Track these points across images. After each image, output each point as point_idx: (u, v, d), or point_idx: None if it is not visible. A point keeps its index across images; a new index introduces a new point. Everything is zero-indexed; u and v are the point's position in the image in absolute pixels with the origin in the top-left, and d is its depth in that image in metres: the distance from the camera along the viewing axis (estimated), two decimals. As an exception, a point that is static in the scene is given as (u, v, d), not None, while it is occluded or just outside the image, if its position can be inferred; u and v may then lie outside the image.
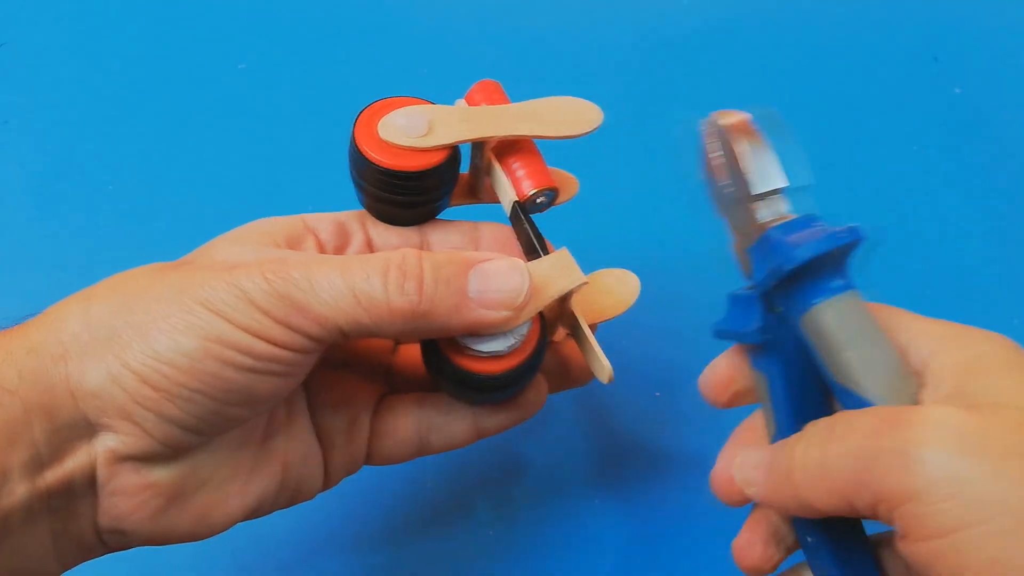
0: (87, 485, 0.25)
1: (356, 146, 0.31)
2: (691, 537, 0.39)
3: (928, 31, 0.56)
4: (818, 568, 0.27)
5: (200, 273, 0.26)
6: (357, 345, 0.33)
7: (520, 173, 0.32)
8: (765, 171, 0.27)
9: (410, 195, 0.32)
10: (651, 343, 0.43)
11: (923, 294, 0.46)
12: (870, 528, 0.27)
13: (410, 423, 0.31)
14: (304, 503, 0.31)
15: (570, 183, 0.35)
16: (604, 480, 0.41)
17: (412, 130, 0.31)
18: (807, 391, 0.27)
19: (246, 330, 0.25)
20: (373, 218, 0.33)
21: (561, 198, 0.34)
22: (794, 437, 0.25)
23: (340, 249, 0.32)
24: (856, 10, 0.57)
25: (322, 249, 0.31)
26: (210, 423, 0.26)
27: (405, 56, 0.55)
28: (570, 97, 0.33)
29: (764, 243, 0.26)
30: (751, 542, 0.28)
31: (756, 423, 0.30)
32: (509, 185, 0.33)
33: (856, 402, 0.24)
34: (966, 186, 0.50)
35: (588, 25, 0.57)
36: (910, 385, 0.24)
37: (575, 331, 0.32)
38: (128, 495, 0.25)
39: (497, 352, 0.28)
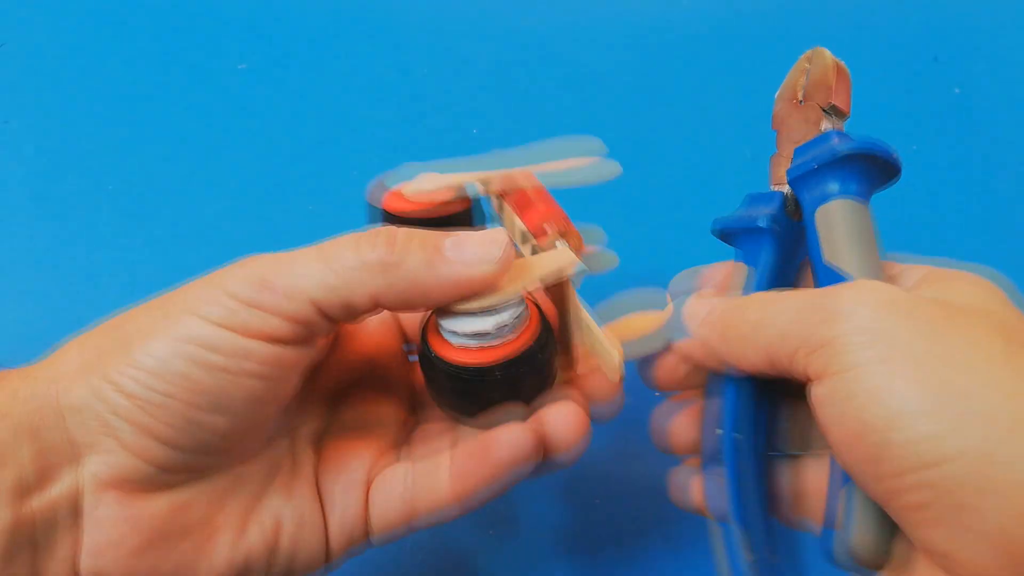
0: (72, 516, 0.24)
1: (384, 211, 0.32)
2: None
3: (928, 31, 0.56)
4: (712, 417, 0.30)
5: (190, 285, 0.26)
6: (374, 407, 0.32)
7: (541, 217, 0.32)
8: (843, 96, 0.31)
9: None
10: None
11: (923, 294, 0.46)
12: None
13: (397, 489, 0.29)
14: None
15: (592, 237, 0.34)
16: (607, 487, 0.41)
17: (435, 189, 0.32)
18: (785, 286, 0.30)
19: (215, 322, 0.24)
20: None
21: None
22: (744, 298, 0.27)
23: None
24: (856, 10, 0.57)
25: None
26: (188, 434, 0.25)
27: (406, 55, 0.55)
28: (585, 159, 0.33)
29: (823, 138, 0.29)
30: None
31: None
32: (527, 231, 0.32)
33: (834, 276, 0.27)
34: (966, 186, 0.50)
35: (589, 24, 0.57)
36: (879, 272, 0.27)
37: (579, 323, 0.30)
38: (110, 527, 0.25)
39: (483, 334, 0.27)
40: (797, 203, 0.30)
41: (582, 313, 0.30)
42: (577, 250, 0.31)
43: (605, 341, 0.29)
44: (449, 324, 0.27)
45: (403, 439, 0.32)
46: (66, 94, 0.53)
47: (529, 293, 0.30)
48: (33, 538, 0.24)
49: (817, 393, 0.23)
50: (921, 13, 0.57)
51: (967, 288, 0.25)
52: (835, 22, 0.57)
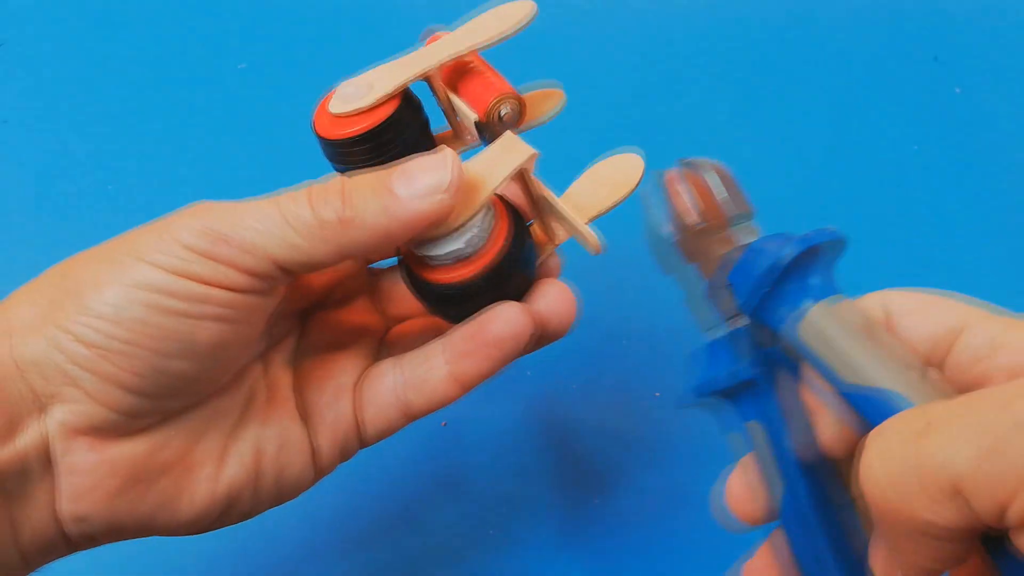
0: (43, 465, 0.24)
1: (315, 131, 0.31)
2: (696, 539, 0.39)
3: (928, 31, 0.56)
4: None
5: (136, 232, 0.25)
6: (348, 327, 0.32)
7: (476, 92, 0.31)
8: (739, 197, 0.28)
9: (377, 154, 0.30)
10: (650, 342, 0.43)
11: (923, 294, 0.46)
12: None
13: (388, 383, 0.29)
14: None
15: (549, 94, 0.33)
16: (603, 479, 0.41)
17: (356, 95, 0.30)
18: (799, 431, 0.26)
19: (170, 270, 0.24)
20: None
21: (543, 109, 0.32)
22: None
23: None
24: (856, 10, 0.57)
25: None
26: (153, 382, 0.24)
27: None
28: (501, 4, 0.32)
29: (751, 255, 0.26)
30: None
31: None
32: (468, 108, 0.31)
33: (872, 401, 0.23)
34: (966, 186, 0.50)
35: (591, 22, 0.57)
36: (924, 370, 0.23)
37: (553, 211, 0.30)
38: (84, 473, 0.24)
39: (458, 252, 0.27)
40: (764, 330, 0.26)
41: (549, 197, 0.29)
42: (522, 115, 0.31)
43: (584, 228, 0.29)
44: (422, 250, 0.27)
45: (381, 341, 0.32)
46: (66, 94, 0.53)
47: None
48: (5, 488, 0.24)
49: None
50: (921, 13, 0.57)
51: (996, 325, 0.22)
52: (835, 22, 0.57)
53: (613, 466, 0.41)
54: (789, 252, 0.24)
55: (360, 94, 0.30)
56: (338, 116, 0.31)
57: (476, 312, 0.28)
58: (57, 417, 0.24)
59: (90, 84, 0.54)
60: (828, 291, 0.25)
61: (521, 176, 0.29)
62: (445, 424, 0.41)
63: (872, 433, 0.20)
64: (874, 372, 0.23)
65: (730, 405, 0.27)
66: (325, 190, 0.25)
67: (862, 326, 0.24)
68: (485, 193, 0.27)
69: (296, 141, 0.52)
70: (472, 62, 0.32)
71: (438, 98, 0.33)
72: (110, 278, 0.24)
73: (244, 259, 0.24)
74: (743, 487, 0.26)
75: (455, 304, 0.28)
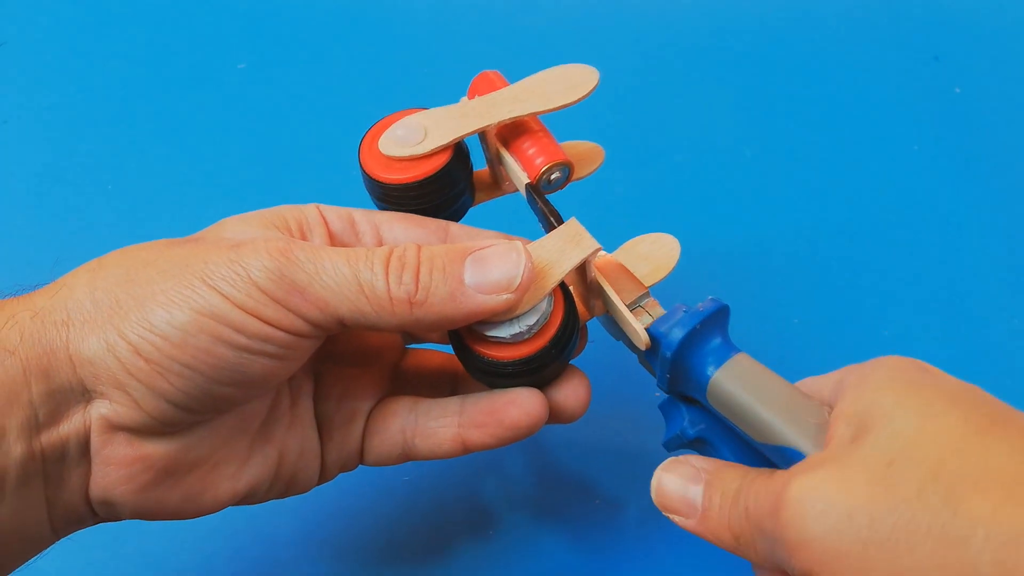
0: (81, 452, 0.25)
1: (362, 168, 0.31)
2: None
3: (928, 31, 0.56)
4: None
5: (205, 249, 0.26)
6: (368, 343, 0.33)
7: (529, 153, 0.32)
8: (629, 283, 0.30)
9: (424, 203, 0.31)
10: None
11: (923, 294, 0.46)
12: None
13: (398, 423, 0.31)
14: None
15: (592, 154, 0.34)
16: (604, 478, 0.41)
17: (410, 139, 0.31)
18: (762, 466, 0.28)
19: (241, 307, 0.25)
20: (385, 217, 0.32)
21: (585, 170, 0.33)
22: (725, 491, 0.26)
23: (350, 243, 0.31)
24: (856, 10, 0.57)
25: (332, 240, 0.31)
26: (200, 401, 0.25)
27: (406, 55, 0.55)
28: (562, 65, 0.32)
29: (652, 340, 0.29)
30: None
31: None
32: (520, 168, 0.32)
33: (784, 455, 0.25)
34: (966, 186, 0.50)
35: (594, 19, 0.57)
36: (819, 413, 0.26)
37: (606, 302, 0.31)
38: (119, 466, 0.25)
39: (517, 335, 0.28)
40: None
41: (609, 293, 0.30)
42: (569, 179, 0.32)
43: (635, 323, 0.29)
44: (479, 326, 0.28)
45: (399, 363, 0.33)
46: (66, 94, 0.53)
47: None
48: (44, 471, 0.25)
49: None
50: (921, 13, 0.57)
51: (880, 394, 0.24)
52: (835, 22, 0.57)
53: (613, 465, 0.41)
54: (675, 336, 0.27)
55: (414, 139, 0.31)
56: (391, 158, 0.31)
57: (516, 386, 0.29)
58: (100, 411, 0.25)
59: (90, 84, 0.54)
60: (724, 353, 0.27)
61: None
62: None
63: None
64: (775, 430, 0.25)
65: (697, 452, 0.30)
66: (402, 263, 0.26)
67: (758, 382, 0.26)
68: (549, 284, 0.28)
69: (296, 141, 0.52)
70: (527, 120, 0.32)
71: (487, 150, 0.33)
72: (179, 299, 0.25)
73: (312, 312, 0.25)
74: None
75: (498, 377, 0.29)
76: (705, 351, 0.27)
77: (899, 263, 0.47)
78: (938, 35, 0.56)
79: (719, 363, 0.27)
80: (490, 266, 0.27)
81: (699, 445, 0.30)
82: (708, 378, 0.27)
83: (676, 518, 0.27)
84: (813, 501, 0.22)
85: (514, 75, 0.33)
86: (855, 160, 0.51)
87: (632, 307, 0.30)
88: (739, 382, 0.27)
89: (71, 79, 0.54)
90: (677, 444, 0.30)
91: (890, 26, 0.57)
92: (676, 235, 0.39)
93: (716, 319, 0.28)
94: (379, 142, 0.31)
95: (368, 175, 0.31)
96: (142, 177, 0.50)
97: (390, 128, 0.32)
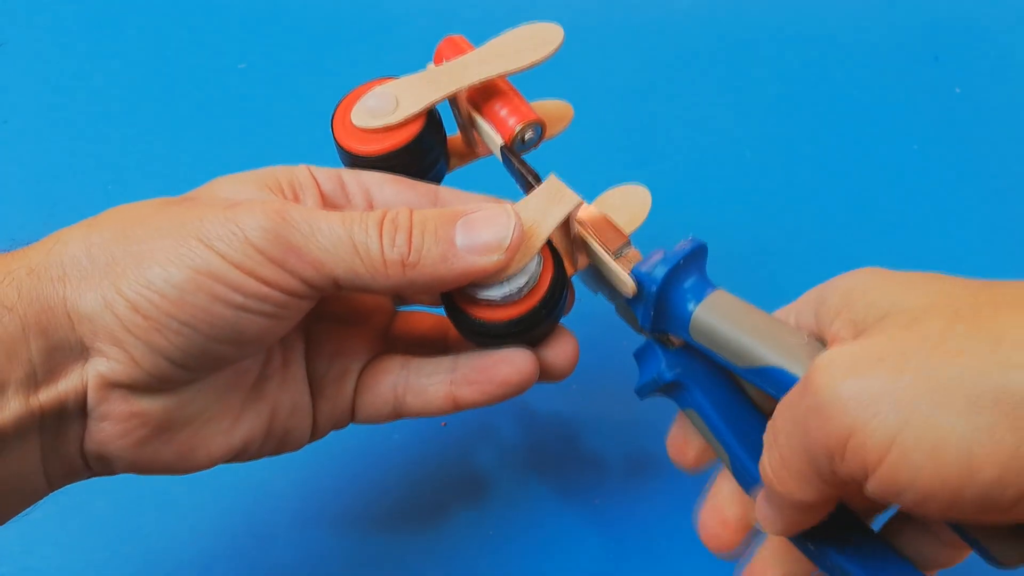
0: (78, 408, 0.26)
1: (336, 142, 0.31)
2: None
3: (928, 31, 0.56)
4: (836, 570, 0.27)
5: (201, 208, 0.26)
6: (360, 303, 0.33)
7: (501, 115, 0.32)
8: (612, 234, 0.31)
9: (400, 173, 0.31)
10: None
11: (923, 294, 0.46)
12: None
13: (389, 380, 0.31)
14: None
15: (562, 111, 0.34)
16: (604, 476, 0.41)
17: (382, 110, 0.31)
18: (736, 407, 0.29)
19: (238, 267, 0.25)
20: (375, 178, 0.32)
21: (556, 128, 0.33)
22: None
23: (340, 205, 0.31)
24: (856, 10, 0.57)
25: (323, 200, 0.31)
26: (196, 358, 0.26)
27: (406, 55, 0.55)
28: (526, 24, 0.33)
29: (644, 278, 0.29)
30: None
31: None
32: (493, 130, 0.32)
33: (767, 375, 0.26)
34: (966, 186, 0.50)
35: (590, 17, 0.57)
36: (808, 340, 0.26)
37: (591, 254, 0.31)
38: (115, 421, 0.26)
39: (508, 296, 0.28)
40: (670, 335, 0.30)
41: (592, 244, 0.30)
42: (542, 137, 0.32)
43: (621, 272, 0.30)
44: (471, 288, 0.28)
45: (389, 325, 0.34)
46: (66, 94, 0.53)
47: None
48: (41, 426, 0.25)
49: (884, 481, 0.21)
50: (921, 13, 0.57)
51: (877, 290, 0.25)
52: (835, 22, 0.57)
53: (614, 464, 0.41)
54: (658, 273, 0.28)
55: (386, 109, 0.31)
56: (364, 129, 0.31)
57: (510, 346, 0.30)
58: (97, 368, 0.25)
59: (90, 84, 0.54)
60: (704, 288, 0.28)
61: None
62: (445, 424, 0.42)
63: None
64: (757, 353, 0.26)
65: (668, 398, 0.31)
66: (395, 226, 0.27)
67: (738, 313, 0.27)
68: (538, 243, 0.29)
69: (296, 141, 0.52)
70: (496, 82, 0.33)
71: (459, 115, 0.33)
72: (176, 257, 0.25)
73: (308, 272, 0.26)
74: (678, 437, 0.31)
75: (489, 338, 0.30)
76: (686, 287, 0.28)
77: (899, 263, 0.47)
78: (938, 35, 0.56)
79: (700, 297, 0.28)
80: (480, 228, 0.27)
81: (674, 389, 0.30)
82: (691, 312, 0.28)
83: (760, 526, 0.26)
84: (842, 357, 0.22)
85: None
86: (855, 160, 0.51)
87: (616, 256, 0.30)
88: (720, 313, 0.27)
89: (71, 79, 0.54)
90: (651, 389, 0.30)
91: (890, 26, 0.57)
92: (676, 235, 0.39)
93: (696, 256, 0.29)
94: (351, 114, 0.31)
95: (343, 148, 0.31)
96: (142, 177, 0.50)
97: (361, 99, 0.32)
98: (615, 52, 0.56)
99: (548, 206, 0.29)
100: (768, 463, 0.24)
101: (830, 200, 0.49)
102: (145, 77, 0.54)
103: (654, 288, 0.28)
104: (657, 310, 0.29)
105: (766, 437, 0.24)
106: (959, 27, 0.56)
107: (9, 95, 0.53)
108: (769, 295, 0.45)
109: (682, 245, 0.28)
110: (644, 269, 0.29)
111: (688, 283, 0.28)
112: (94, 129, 0.52)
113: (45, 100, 0.53)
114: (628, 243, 0.31)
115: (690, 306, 0.28)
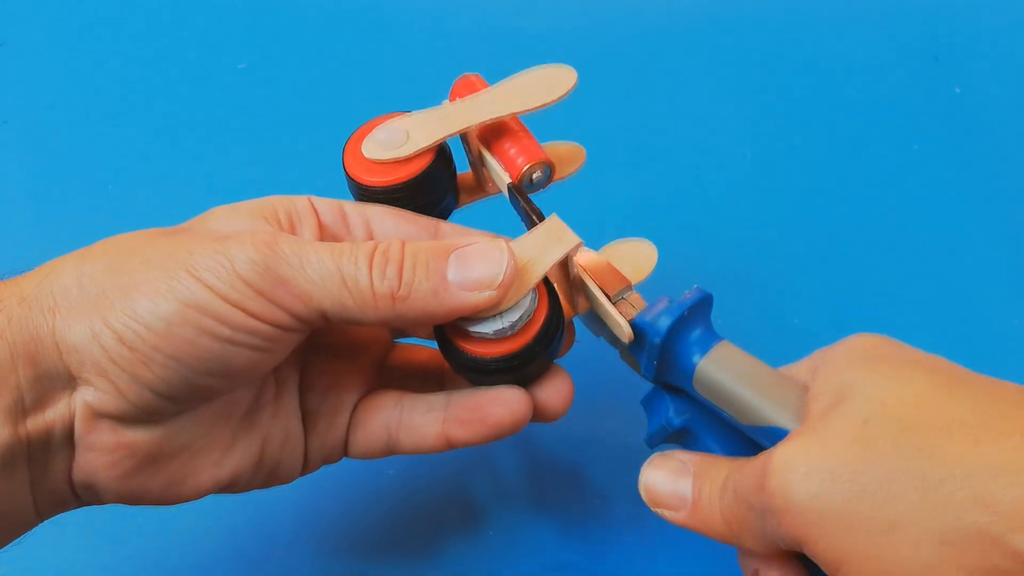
0: (65, 437, 0.25)
1: (346, 172, 0.32)
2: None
3: (928, 31, 0.56)
4: None
5: (190, 240, 0.26)
6: (357, 335, 0.33)
7: (510, 154, 0.32)
8: (613, 278, 0.30)
9: (407, 206, 0.32)
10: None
11: (923, 294, 0.46)
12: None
13: (383, 418, 0.31)
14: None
15: (574, 154, 0.34)
16: (604, 477, 0.41)
17: (392, 142, 0.31)
18: (746, 452, 0.29)
19: (226, 299, 0.25)
20: (376, 211, 0.32)
21: (567, 170, 0.33)
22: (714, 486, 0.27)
23: (340, 236, 0.31)
24: (856, 10, 0.57)
25: (323, 232, 0.30)
26: (183, 391, 0.25)
27: (406, 55, 0.55)
28: (540, 66, 0.33)
29: (636, 331, 0.29)
30: None
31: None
32: (502, 169, 0.32)
33: (771, 435, 0.26)
34: (966, 186, 0.50)
35: (588, 20, 0.57)
36: (800, 393, 0.27)
37: (588, 296, 0.31)
38: (102, 451, 0.26)
39: (500, 331, 0.28)
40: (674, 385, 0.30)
41: (590, 287, 0.30)
42: (551, 179, 0.32)
43: (619, 317, 0.29)
44: (463, 322, 0.28)
45: (386, 358, 0.33)
46: (66, 94, 0.53)
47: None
48: (29, 455, 0.25)
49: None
50: (921, 13, 0.57)
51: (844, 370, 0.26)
52: (835, 22, 0.57)
53: (614, 463, 0.41)
54: (662, 324, 0.28)
55: (396, 142, 0.31)
56: (374, 161, 0.31)
57: (501, 383, 0.30)
58: (84, 398, 0.25)
59: (90, 84, 0.54)
60: (709, 341, 0.28)
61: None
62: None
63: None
64: (762, 413, 0.26)
65: (679, 446, 0.30)
66: (385, 257, 0.26)
67: (744, 368, 0.27)
68: (532, 280, 0.28)
69: (296, 141, 0.52)
70: (507, 122, 0.33)
71: (469, 152, 0.33)
72: (164, 289, 0.25)
73: (296, 306, 0.26)
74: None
75: (481, 374, 0.29)
76: (691, 339, 0.28)
77: (899, 263, 0.47)
78: (938, 35, 0.56)
79: (704, 350, 0.28)
80: (473, 263, 0.27)
81: (683, 436, 0.30)
82: (694, 365, 0.28)
83: (666, 513, 0.28)
84: (796, 465, 0.24)
85: (514, 69, 0.33)
86: (855, 160, 0.51)
87: (616, 300, 0.30)
88: (725, 368, 0.27)
89: (71, 79, 0.54)
90: (661, 437, 0.30)
91: (890, 26, 0.57)
92: (675, 235, 0.40)
93: (701, 308, 0.28)
94: (362, 146, 0.32)
95: (352, 179, 0.32)
96: (142, 177, 0.50)
97: (372, 132, 0.32)
98: (614, 51, 0.56)
99: (547, 244, 0.29)
100: (721, 512, 0.26)
101: (830, 200, 0.49)
102: (145, 77, 0.54)
103: (657, 339, 0.28)
104: (660, 361, 0.28)
105: (725, 484, 0.26)
106: (959, 27, 0.56)
107: (9, 95, 0.53)
108: (769, 295, 0.46)
109: (687, 295, 0.28)
110: (648, 318, 0.28)
111: (693, 335, 0.28)
112: (94, 129, 0.52)
113: (45, 100, 0.53)
114: (629, 287, 0.30)
115: (695, 359, 0.28)
